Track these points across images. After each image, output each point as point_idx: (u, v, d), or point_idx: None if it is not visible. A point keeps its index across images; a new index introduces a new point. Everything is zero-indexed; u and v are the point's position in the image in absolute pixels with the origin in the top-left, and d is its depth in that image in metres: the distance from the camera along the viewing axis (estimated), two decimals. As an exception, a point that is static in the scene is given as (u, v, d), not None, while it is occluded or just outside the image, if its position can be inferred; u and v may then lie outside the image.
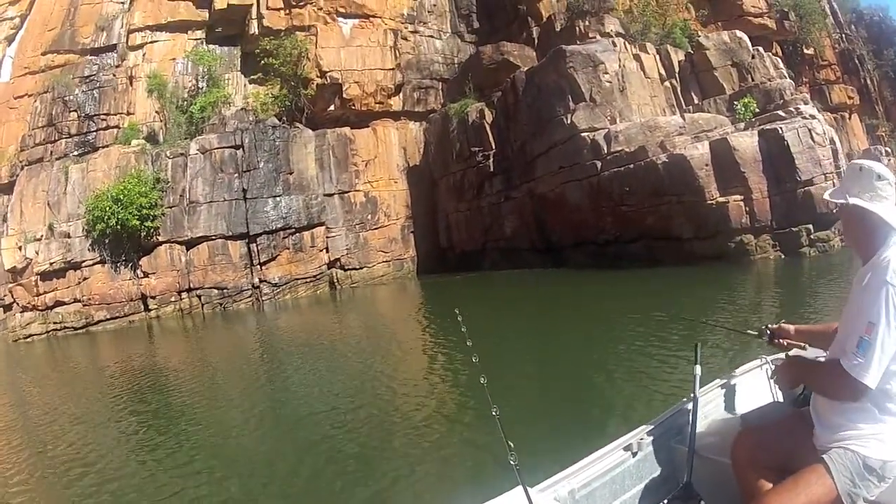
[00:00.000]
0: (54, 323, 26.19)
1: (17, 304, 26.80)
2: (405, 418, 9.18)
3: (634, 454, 3.26)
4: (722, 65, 26.08)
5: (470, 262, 30.79)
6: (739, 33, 27.04)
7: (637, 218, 22.58)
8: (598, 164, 23.44)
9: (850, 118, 40.27)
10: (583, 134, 24.06)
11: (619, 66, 25.11)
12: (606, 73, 24.53)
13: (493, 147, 28.86)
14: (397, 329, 19.06)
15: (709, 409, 3.67)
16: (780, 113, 21.49)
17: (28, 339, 25.61)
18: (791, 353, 3.31)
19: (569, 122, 24.49)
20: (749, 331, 3.62)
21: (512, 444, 2.44)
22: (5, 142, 30.68)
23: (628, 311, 15.02)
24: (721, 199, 20.22)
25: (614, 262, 23.14)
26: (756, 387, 3.95)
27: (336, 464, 7.78)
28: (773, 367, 3.74)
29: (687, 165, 20.65)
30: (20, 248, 26.87)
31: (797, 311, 10.16)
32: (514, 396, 9.31)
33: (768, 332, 3.45)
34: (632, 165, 22.39)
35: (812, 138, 19.84)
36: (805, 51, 39.27)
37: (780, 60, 27.30)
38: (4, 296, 27.14)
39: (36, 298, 26.50)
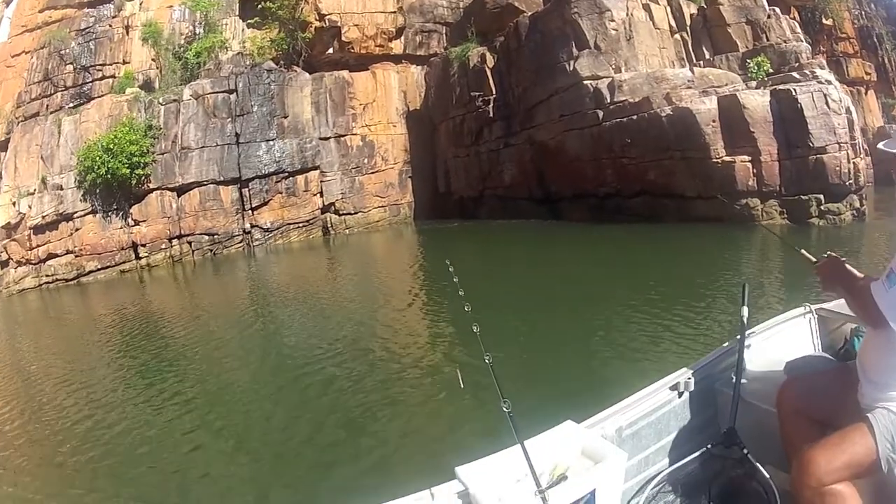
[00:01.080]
0: (46, 276, 25.81)
1: (12, 259, 26.28)
2: (400, 367, 9.35)
3: (680, 394, 3.32)
4: (736, 21, 24.78)
5: (467, 208, 30.28)
6: None
7: (638, 172, 21.86)
8: (600, 113, 22.64)
9: (866, 94, 38.81)
10: (585, 82, 23.18)
11: (627, 15, 23.90)
12: (613, 20, 23.41)
13: (494, 92, 27.86)
14: (391, 277, 18.97)
15: (753, 353, 3.62)
16: (795, 75, 20.36)
17: (21, 293, 25.28)
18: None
19: (571, 68, 23.56)
20: (804, 251, 3.34)
21: (504, 394, 2.49)
22: (3, 100, 30.09)
23: (627, 268, 14.92)
24: (727, 159, 19.42)
25: (613, 217, 22.51)
26: (799, 335, 3.97)
27: (336, 413, 7.90)
28: (816, 316, 3.99)
29: (693, 120, 19.91)
30: (14, 203, 26.39)
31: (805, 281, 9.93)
32: (506, 346, 9.33)
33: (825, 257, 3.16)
34: (635, 117, 21.52)
35: (827, 104, 18.74)
36: (824, 21, 37.68)
37: (797, 24, 25.90)
38: (0, 252, 27.02)
39: (29, 253, 26.00)
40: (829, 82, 19.64)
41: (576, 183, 24.44)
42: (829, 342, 3.91)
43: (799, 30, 25.17)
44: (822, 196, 18.62)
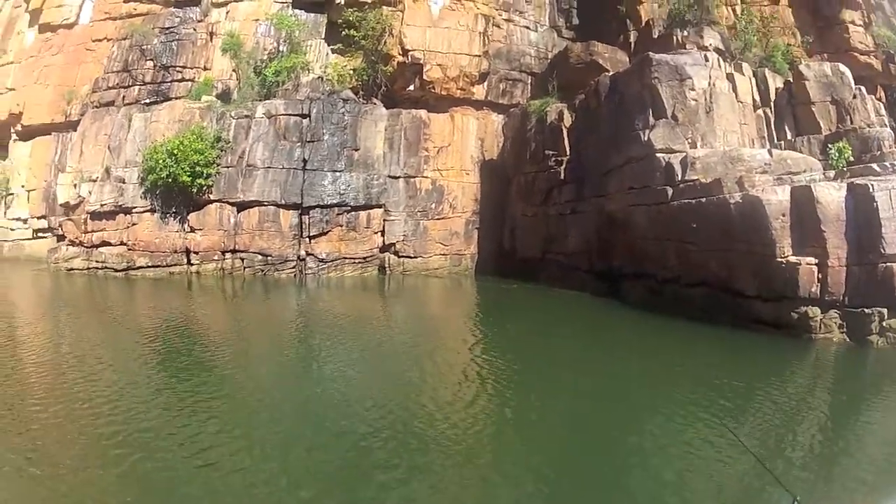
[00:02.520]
0: (97, 261, 26.44)
1: (67, 237, 27.33)
2: (436, 433, 8.78)
3: None
4: (821, 100, 21.93)
5: (528, 270, 27.89)
6: (842, 67, 22.49)
7: (700, 260, 19.16)
8: (670, 191, 20.15)
9: None
10: (658, 154, 20.73)
11: (709, 84, 21.46)
12: (693, 89, 21.03)
13: (568, 153, 25.81)
14: (444, 331, 18.18)
15: None
16: (874, 166, 17.48)
17: (70, 272, 26.10)
18: None
19: (646, 138, 21.21)
20: None
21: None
22: (80, 82, 30.96)
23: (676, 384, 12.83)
24: (793, 259, 16.44)
25: (671, 305, 20.22)
26: None
27: (355, 468, 7.57)
28: None
29: (762, 211, 17.13)
30: (75, 185, 27.36)
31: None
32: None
33: None
34: (703, 199, 19.00)
35: None
36: None
37: (882, 105, 22.67)
38: (56, 227, 28.00)
39: (83, 235, 26.86)
40: (910, 176, 16.55)
41: (638, 261, 21.97)
42: None
43: (884, 112, 21.97)
44: (885, 311, 15.48)
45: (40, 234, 31.84)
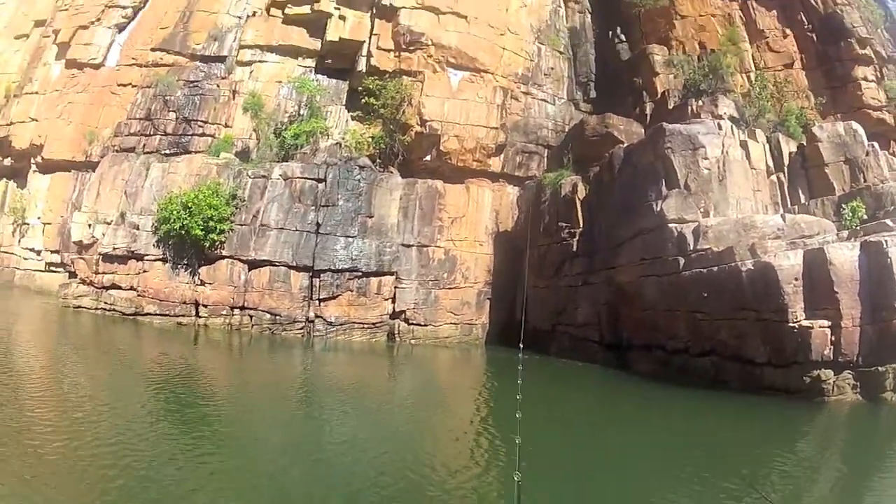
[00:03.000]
0: (105, 303, 26.27)
1: (77, 274, 27.41)
2: None
3: None
4: (834, 160, 21.76)
5: (539, 341, 26.99)
6: (854, 124, 22.38)
7: (710, 330, 18.65)
8: (682, 261, 19.85)
9: None
10: (670, 225, 20.58)
11: (722, 152, 21.41)
12: (706, 158, 21.00)
13: (581, 225, 25.61)
14: (450, 403, 17.48)
15: None
16: (888, 222, 17.09)
17: (77, 310, 26.06)
18: None
19: (658, 209, 21.09)
20: None
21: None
22: (102, 123, 31.28)
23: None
24: (805, 323, 15.97)
25: (680, 376, 19.51)
26: None
27: None
28: None
29: (773, 277, 16.72)
30: (90, 225, 27.60)
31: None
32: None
33: None
34: (715, 268, 18.61)
35: None
36: None
37: None
38: (69, 263, 28.17)
39: (94, 276, 26.90)
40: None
41: (648, 332, 21.45)
42: None
43: None
44: (899, 366, 14.80)
45: (52, 268, 31.72)
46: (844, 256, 15.98)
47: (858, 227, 18.07)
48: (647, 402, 17.91)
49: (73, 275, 27.82)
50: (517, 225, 30.36)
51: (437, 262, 29.39)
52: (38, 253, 32.65)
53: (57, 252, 31.53)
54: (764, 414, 14.99)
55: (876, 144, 21.91)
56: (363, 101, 30.03)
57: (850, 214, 18.93)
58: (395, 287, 28.48)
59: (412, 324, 28.47)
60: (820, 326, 15.77)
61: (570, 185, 26.65)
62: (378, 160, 29.82)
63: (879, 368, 14.84)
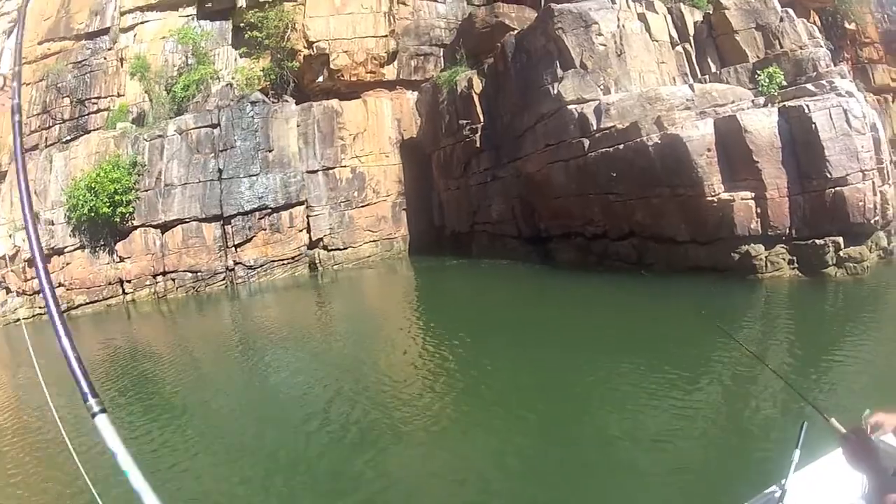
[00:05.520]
0: (39, 307, 22.31)
1: (10, 289, 23.77)
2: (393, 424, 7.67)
3: None
4: (744, 27, 18.44)
5: (460, 244, 24.65)
6: None
7: (625, 211, 16.02)
8: (586, 142, 16.86)
9: (893, 102, 31.16)
10: (570, 106, 17.43)
11: (618, 27, 18.03)
12: (601, 34, 17.58)
13: (482, 120, 22.35)
14: (383, 323, 15.48)
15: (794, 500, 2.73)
16: (810, 87, 14.14)
17: (17, 323, 22.36)
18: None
19: (555, 92, 17.86)
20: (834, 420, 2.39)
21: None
22: (6, 131, 26.82)
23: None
24: (725, 196, 13.38)
25: (601, 261, 16.98)
26: (847, 478, 2.70)
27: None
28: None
29: (683, 149, 13.98)
30: (10, 235, 23.80)
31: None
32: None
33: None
34: (621, 146, 15.73)
35: (848, 122, 12.70)
36: (846, 25, 30.42)
37: (815, 28, 19.19)
38: (1, 280, 24.32)
39: (24, 284, 23.22)
40: (850, 94, 13.42)
41: (563, 221, 18.79)
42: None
43: (818, 34, 18.43)
44: (840, 239, 12.56)
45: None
46: (761, 123, 13.21)
47: (776, 94, 15.28)
48: (564, 294, 15.60)
49: (8, 290, 23.97)
50: (421, 130, 26.90)
51: (346, 181, 26.07)
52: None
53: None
54: (694, 292, 12.74)
55: (790, 10, 18.78)
56: (246, 36, 25.78)
57: (768, 81, 15.83)
58: (308, 216, 25.34)
59: (331, 249, 25.53)
60: (742, 199, 13.21)
61: (465, 80, 23.14)
62: (271, 92, 25.89)
63: (817, 241, 12.43)
